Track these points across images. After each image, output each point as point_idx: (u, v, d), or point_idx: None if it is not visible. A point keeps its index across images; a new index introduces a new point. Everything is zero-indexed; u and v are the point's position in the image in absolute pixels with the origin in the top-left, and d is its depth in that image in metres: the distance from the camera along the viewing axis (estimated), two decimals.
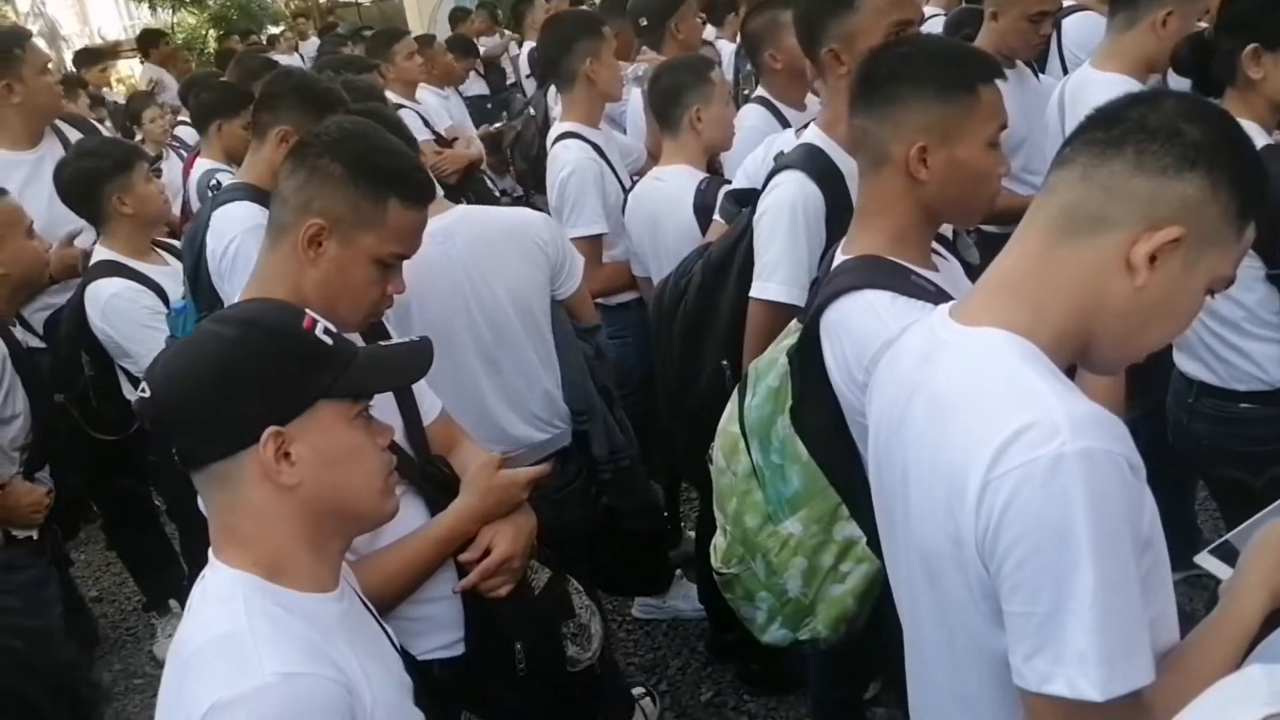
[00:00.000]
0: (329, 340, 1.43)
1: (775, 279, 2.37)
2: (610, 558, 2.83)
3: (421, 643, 1.86)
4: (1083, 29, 4.09)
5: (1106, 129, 1.26)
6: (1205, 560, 1.48)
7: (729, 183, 3.12)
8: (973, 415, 1.21)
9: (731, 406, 2.08)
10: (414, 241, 1.89)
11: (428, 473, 1.92)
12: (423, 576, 1.82)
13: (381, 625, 1.57)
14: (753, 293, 2.41)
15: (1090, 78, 3.15)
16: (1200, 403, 2.50)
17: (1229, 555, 1.44)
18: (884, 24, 2.33)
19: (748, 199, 2.59)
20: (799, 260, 2.34)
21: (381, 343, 1.76)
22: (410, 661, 1.67)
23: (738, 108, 3.62)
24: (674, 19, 4.22)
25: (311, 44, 11.67)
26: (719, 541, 2.08)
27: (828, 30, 2.40)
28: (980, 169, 1.78)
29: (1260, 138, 2.30)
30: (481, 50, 8.51)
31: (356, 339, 1.86)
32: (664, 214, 3.26)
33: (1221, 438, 2.47)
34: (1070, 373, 1.32)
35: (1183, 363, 2.55)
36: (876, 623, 1.94)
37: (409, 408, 1.94)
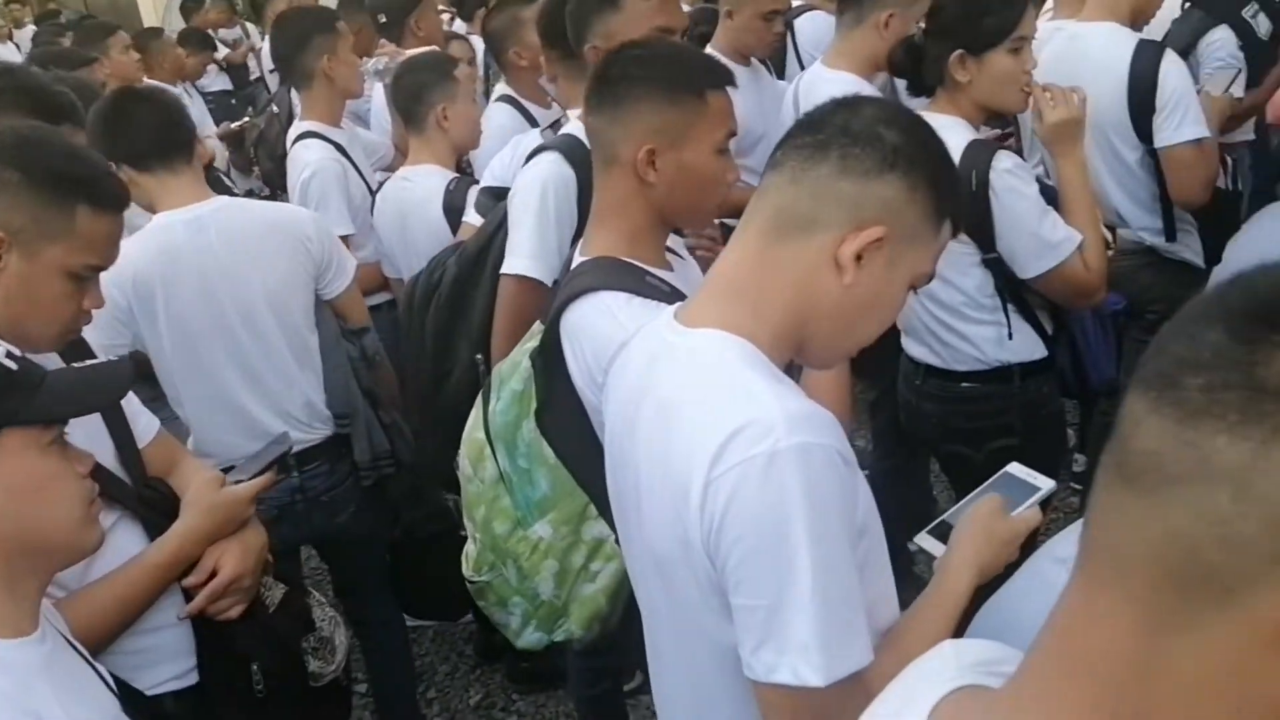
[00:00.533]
0: (10, 364, 1.32)
1: (522, 253, 2.37)
2: (411, 575, 2.80)
3: (149, 675, 1.75)
4: (815, 29, 4.26)
5: (813, 133, 1.32)
6: (923, 540, 1.56)
7: (478, 183, 3.09)
8: (694, 418, 1.24)
9: (476, 413, 2.06)
10: (110, 251, 1.77)
11: (144, 496, 1.81)
12: (142, 606, 1.72)
13: (91, 664, 1.46)
14: (502, 269, 2.41)
15: (821, 76, 3.29)
16: (927, 384, 2.66)
17: (946, 534, 1.52)
18: (645, 27, 2.37)
19: (505, 195, 2.58)
20: (547, 238, 2.36)
21: (77, 364, 1.64)
22: (137, 698, 1.57)
23: None
24: (414, 15, 4.15)
25: (28, 32, 10.78)
26: (470, 550, 2.06)
27: (592, 27, 2.44)
28: (708, 174, 1.82)
29: (967, 133, 2.46)
30: (221, 44, 8.12)
31: (55, 359, 1.74)
32: (413, 214, 3.20)
33: (946, 416, 2.63)
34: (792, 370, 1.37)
35: (910, 347, 2.70)
36: (630, 618, 1.96)
37: (120, 429, 1.82)
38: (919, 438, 2.85)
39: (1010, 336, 2.50)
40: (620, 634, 2.03)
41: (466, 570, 2.06)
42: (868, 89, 3.09)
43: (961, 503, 1.59)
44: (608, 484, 1.51)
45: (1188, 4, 3.81)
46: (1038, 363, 2.54)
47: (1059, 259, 2.39)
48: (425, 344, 2.70)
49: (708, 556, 1.22)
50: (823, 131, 1.30)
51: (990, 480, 1.60)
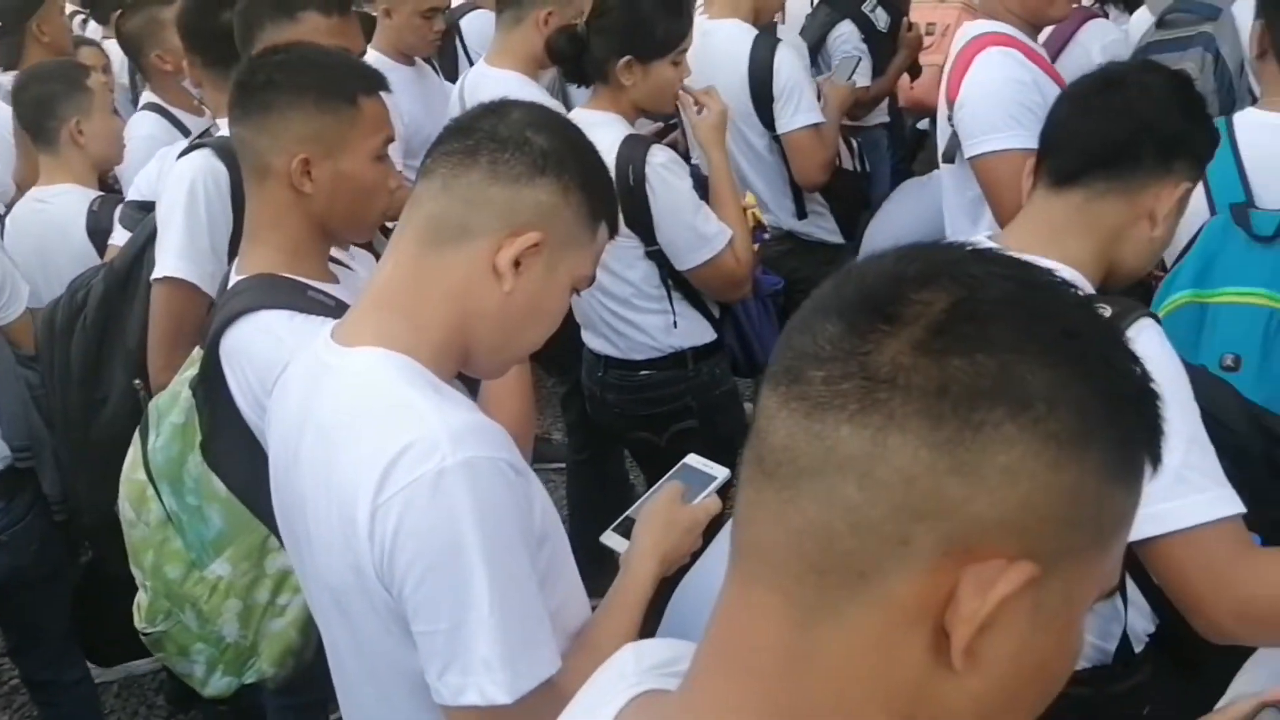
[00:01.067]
0: None
1: (172, 254, 2.22)
2: (98, 615, 2.56)
3: None
4: (482, 27, 4.24)
5: (462, 139, 1.30)
6: (608, 538, 1.58)
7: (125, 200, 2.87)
8: (356, 443, 1.20)
9: (134, 453, 1.90)
10: None
11: None
12: None
13: None
14: (153, 275, 2.25)
15: (485, 75, 3.27)
16: (608, 375, 2.71)
17: (630, 530, 1.53)
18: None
19: (154, 208, 2.40)
20: (198, 238, 2.21)
21: None
22: None
23: None
24: (35, 19, 3.78)
25: None
26: (141, 599, 1.90)
27: (262, 34, 2.30)
28: (368, 182, 1.76)
29: (623, 128, 2.52)
30: None
31: None
32: (52, 239, 2.93)
33: (629, 404, 2.70)
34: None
35: (589, 340, 2.75)
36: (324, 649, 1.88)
37: None
38: (607, 428, 2.90)
39: (675, 324, 2.59)
40: (317, 667, 1.94)
41: (139, 622, 1.90)
42: (532, 86, 3.11)
43: (644, 497, 1.62)
44: (276, 515, 1.43)
45: (817, 1, 4.09)
46: (707, 346, 2.65)
47: (713, 252, 2.50)
48: (71, 372, 2.48)
49: (382, 584, 1.19)
50: (471, 137, 1.28)
51: (670, 472, 1.64)
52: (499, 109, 1.33)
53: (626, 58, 2.47)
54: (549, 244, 1.27)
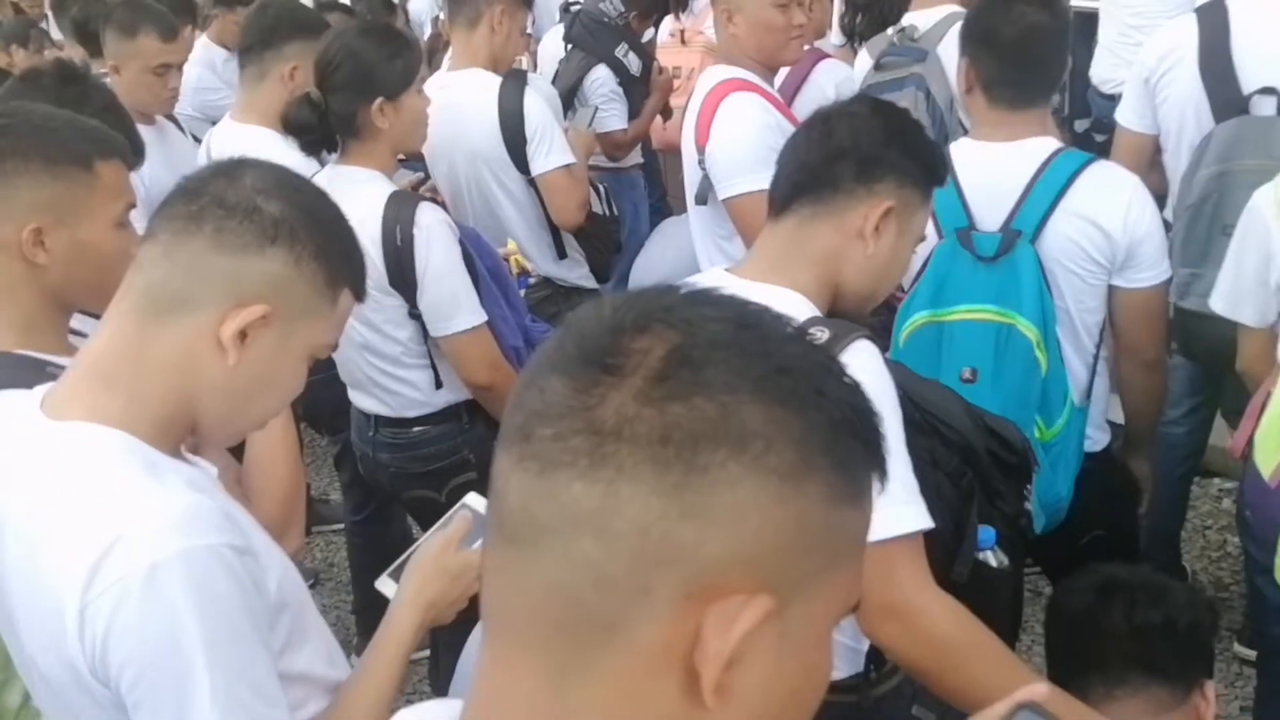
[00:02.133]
0: None
1: None
2: None
3: None
4: None
5: (188, 203, 1.24)
6: (382, 584, 1.54)
7: None
8: (62, 534, 1.13)
9: None
10: None
11: None
12: None
13: None
14: None
15: (230, 130, 3.18)
16: (380, 434, 2.65)
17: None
18: None
19: None
20: None
21: None
22: None
23: None
24: None
25: None
26: None
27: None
28: (109, 251, 1.64)
29: (386, 185, 2.49)
30: None
31: None
32: None
33: (403, 462, 2.65)
34: None
35: (358, 400, 2.68)
36: None
37: None
38: (383, 488, 2.83)
39: (439, 385, 2.55)
40: None
41: None
42: (278, 142, 3.02)
43: (419, 541, 1.58)
44: None
45: (570, 46, 4.16)
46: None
47: (470, 325, 2.45)
48: None
49: (98, 680, 1.12)
50: (197, 201, 1.23)
51: (448, 514, 1.61)
52: (231, 171, 1.28)
53: (377, 100, 2.45)
54: (279, 315, 1.23)
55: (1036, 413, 2.14)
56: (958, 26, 2.84)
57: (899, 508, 1.44)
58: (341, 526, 3.57)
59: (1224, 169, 2.60)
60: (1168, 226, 2.58)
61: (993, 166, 2.26)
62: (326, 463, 4.06)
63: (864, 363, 1.46)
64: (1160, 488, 3.25)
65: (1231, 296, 2.27)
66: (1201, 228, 2.64)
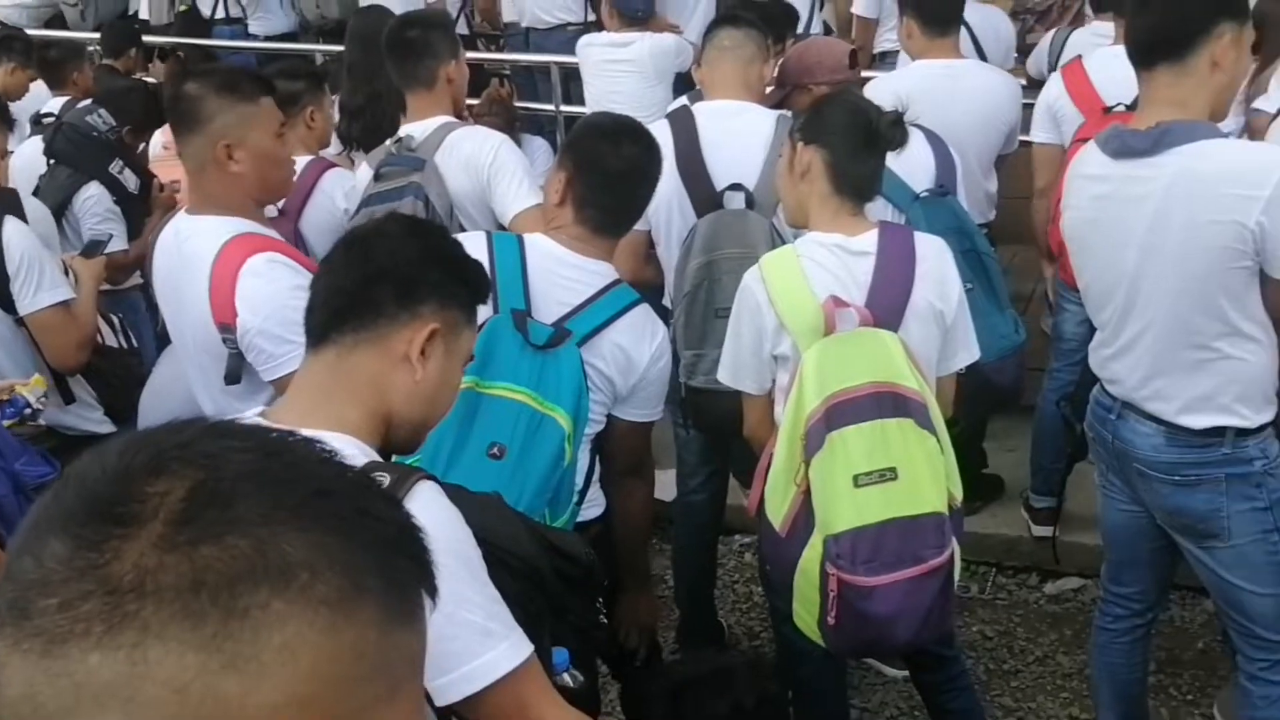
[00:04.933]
0: None
1: None
2: None
3: None
4: None
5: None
6: None
7: None
8: None
9: None
10: None
11: None
12: None
13: None
14: None
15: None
16: None
17: None
18: None
19: None
20: None
21: None
22: None
23: None
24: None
25: None
26: None
27: None
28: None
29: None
30: None
31: None
32: None
33: None
34: None
35: None
36: None
37: None
38: None
39: None
40: None
41: None
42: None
43: None
44: None
45: (52, 161, 3.82)
46: None
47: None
48: None
49: None
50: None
51: None
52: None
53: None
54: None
55: (548, 505, 2.21)
56: (452, 135, 2.97)
57: (506, 642, 1.45)
58: None
59: (710, 258, 2.89)
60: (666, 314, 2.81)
61: (570, 270, 2.36)
62: None
63: (430, 506, 1.40)
64: (689, 553, 3.52)
65: (733, 368, 2.51)
66: (698, 313, 2.90)
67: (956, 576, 2.35)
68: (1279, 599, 2.41)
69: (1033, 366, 3.88)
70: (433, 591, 0.67)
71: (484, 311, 1.87)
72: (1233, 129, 3.38)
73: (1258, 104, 3.36)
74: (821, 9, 5.61)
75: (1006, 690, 3.43)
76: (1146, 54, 2.27)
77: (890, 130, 2.39)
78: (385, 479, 1.35)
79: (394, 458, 1.62)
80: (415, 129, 3.07)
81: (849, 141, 2.38)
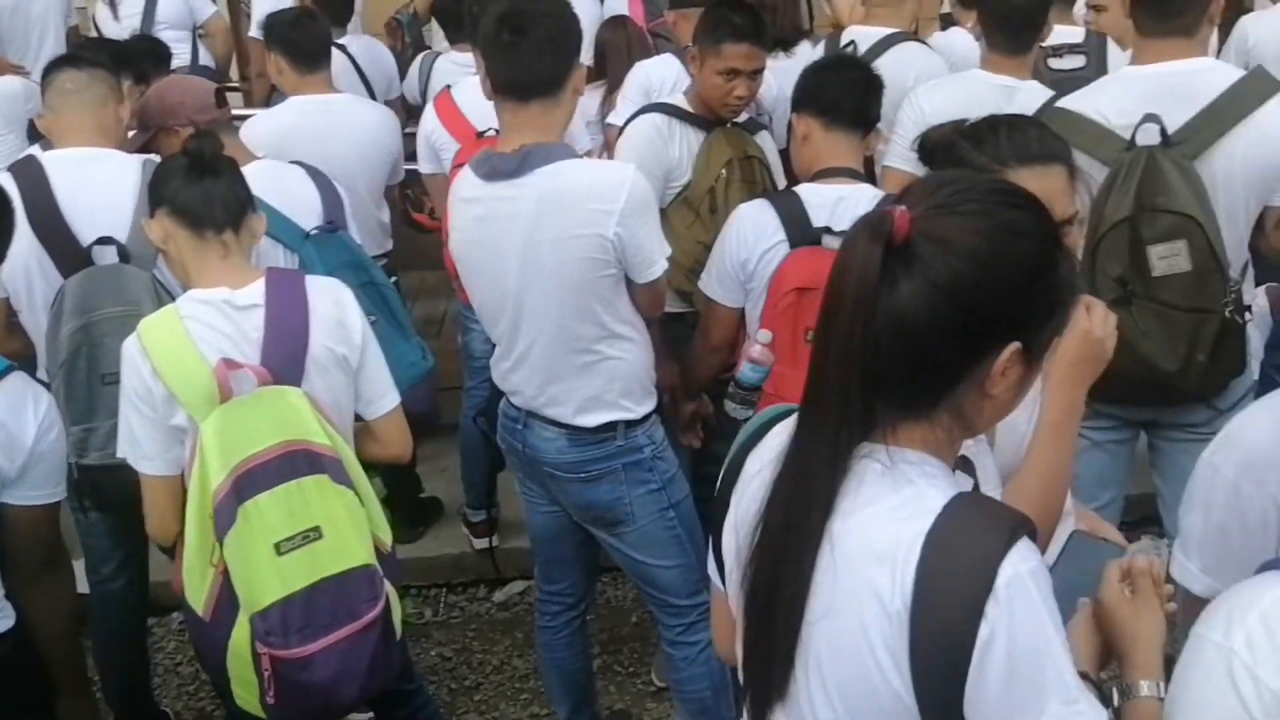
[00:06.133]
0: None
1: None
2: None
3: None
4: None
5: None
6: None
7: None
8: None
9: None
10: None
11: None
12: None
13: None
14: None
15: None
16: None
17: None
18: None
19: None
20: None
21: None
22: None
23: None
24: None
25: None
26: None
27: None
28: None
29: None
30: None
31: None
32: None
33: None
34: None
35: None
36: None
37: None
38: None
39: None
40: None
41: None
42: None
43: None
44: None
45: None
46: None
47: None
48: None
49: None
50: None
51: None
52: None
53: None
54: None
55: None
56: None
57: None
58: None
59: (86, 320, 2.61)
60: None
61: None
62: None
63: None
64: (115, 649, 3.20)
65: (131, 443, 2.24)
66: (80, 382, 2.61)
67: (397, 619, 2.31)
68: (683, 569, 2.67)
69: (454, 385, 4.00)
70: None
71: None
72: (590, 147, 3.72)
73: (610, 119, 3.74)
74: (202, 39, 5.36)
75: (471, 706, 3.50)
76: (525, 92, 2.42)
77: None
78: None
79: None
80: None
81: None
